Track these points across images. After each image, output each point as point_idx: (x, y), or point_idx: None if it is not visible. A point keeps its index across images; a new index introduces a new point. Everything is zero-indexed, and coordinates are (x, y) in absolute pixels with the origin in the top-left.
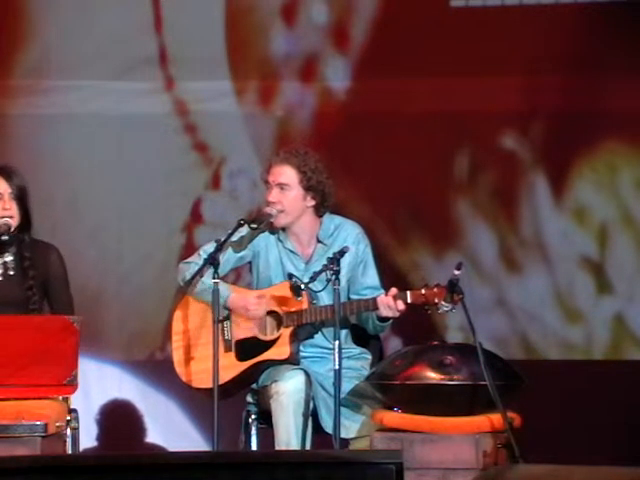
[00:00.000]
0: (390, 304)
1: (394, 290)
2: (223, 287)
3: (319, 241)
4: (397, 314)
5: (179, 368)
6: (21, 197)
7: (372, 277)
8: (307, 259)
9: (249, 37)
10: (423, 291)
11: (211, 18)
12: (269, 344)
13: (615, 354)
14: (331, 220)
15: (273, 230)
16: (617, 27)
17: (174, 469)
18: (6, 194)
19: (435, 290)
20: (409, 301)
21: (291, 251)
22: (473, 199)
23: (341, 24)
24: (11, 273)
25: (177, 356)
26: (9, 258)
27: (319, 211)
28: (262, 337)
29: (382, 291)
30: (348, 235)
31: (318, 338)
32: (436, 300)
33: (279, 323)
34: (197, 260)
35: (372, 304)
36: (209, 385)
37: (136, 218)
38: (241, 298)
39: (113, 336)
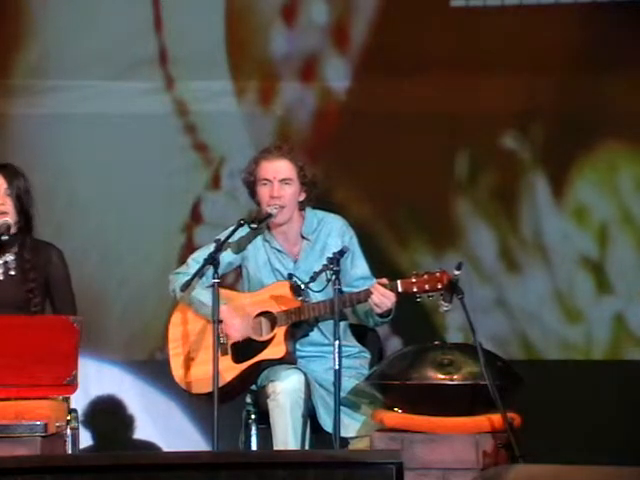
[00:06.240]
0: (382, 294)
1: (384, 280)
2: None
3: (303, 237)
4: (389, 304)
5: (177, 375)
6: (19, 196)
7: (362, 267)
8: (295, 257)
9: (249, 37)
10: (413, 279)
11: (211, 18)
12: (264, 344)
13: (615, 354)
14: (314, 215)
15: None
16: (617, 27)
17: (174, 469)
18: (1, 189)
19: (425, 277)
20: (400, 290)
21: (279, 250)
22: (473, 199)
23: (341, 24)
24: (12, 273)
25: (175, 363)
26: (10, 258)
27: (302, 205)
28: (257, 338)
29: (373, 280)
30: (332, 228)
31: (316, 336)
32: (427, 287)
33: (273, 323)
34: (186, 270)
35: (364, 296)
36: (208, 390)
37: (136, 218)
38: (228, 317)
39: (113, 336)
